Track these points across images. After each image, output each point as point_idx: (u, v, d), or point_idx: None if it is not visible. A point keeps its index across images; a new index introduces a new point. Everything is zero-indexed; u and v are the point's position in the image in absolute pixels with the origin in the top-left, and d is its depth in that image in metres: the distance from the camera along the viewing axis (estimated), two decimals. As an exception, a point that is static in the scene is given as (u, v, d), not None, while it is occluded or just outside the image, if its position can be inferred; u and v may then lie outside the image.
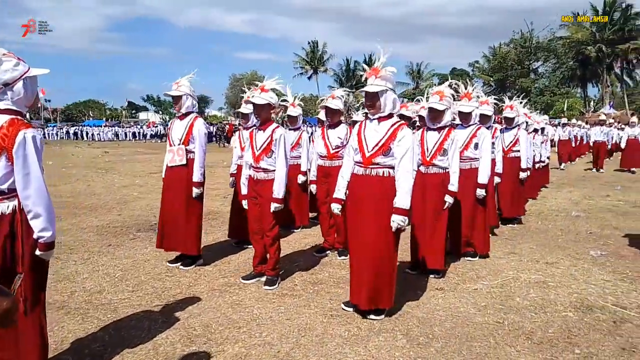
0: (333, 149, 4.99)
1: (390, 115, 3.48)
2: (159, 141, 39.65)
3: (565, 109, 40.66)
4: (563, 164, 15.08)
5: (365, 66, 3.58)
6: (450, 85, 4.47)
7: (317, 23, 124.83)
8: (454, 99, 4.67)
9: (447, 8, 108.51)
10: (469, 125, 4.86)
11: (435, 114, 4.32)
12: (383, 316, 3.43)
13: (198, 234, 4.73)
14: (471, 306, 3.67)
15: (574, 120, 19.23)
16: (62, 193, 9.24)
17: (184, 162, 4.57)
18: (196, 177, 4.57)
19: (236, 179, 5.38)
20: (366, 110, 5.44)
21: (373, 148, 3.43)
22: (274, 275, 4.22)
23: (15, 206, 2.29)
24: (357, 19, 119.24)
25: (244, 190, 4.34)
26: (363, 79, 3.55)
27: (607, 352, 2.92)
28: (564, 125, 16.92)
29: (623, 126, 19.06)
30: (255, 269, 4.34)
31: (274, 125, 4.17)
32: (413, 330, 3.25)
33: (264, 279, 4.27)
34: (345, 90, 5.12)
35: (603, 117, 16.95)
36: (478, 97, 5.26)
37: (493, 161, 5.55)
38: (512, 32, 53.76)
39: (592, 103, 47.93)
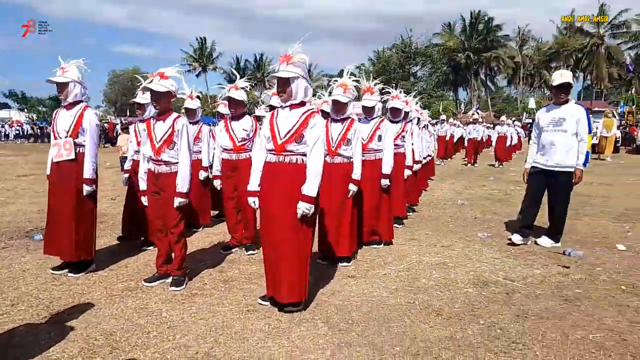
0: (239, 142, 4.83)
1: (302, 103, 3.44)
2: (26, 142, 35.53)
3: (440, 111, 44.34)
4: (443, 161, 16.41)
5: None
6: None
7: (206, 19, 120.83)
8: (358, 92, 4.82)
9: (338, 12, 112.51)
10: (373, 119, 5.03)
11: (339, 106, 4.40)
12: (301, 307, 3.39)
13: (92, 236, 4.28)
14: (383, 290, 3.79)
15: (451, 120, 21.04)
16: None
17: (72, 156, 4.10)
18: (87, 173, 4.13)
19: (132, 176, 5.02)
20: (271, 103, 5.37)
21: (285, 135, 3.37)
22: (180, 275, 3.96)
23: None
24: (248, 17, 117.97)
25: (142, 186, 4.01)
26: (276, 68, 3.49)
27: (506, 320, 3.19)
28: (442, 122, 18.42)
29: (489, 125, 21.31)
30: (159, 270, 4.03)
31: (175, 114, 3.92)
32: (332, 317, 3.26)
33: (169, 280, 3.99)
34: (247, 81, 4.97)
35: (476, 116, 18.83)
36: (389, 92, 5.49)
37: (404, 154, 5.83)
38: (395, 37, 57.19)
39: (462, 105, 52.80)
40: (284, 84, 3.37)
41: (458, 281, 3.98)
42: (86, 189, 4.13)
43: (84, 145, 4.16)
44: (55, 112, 4.34)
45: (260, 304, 3.50)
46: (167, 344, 2.89)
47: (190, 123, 5.75)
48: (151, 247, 5.01)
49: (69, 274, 4.19)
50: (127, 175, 5.18)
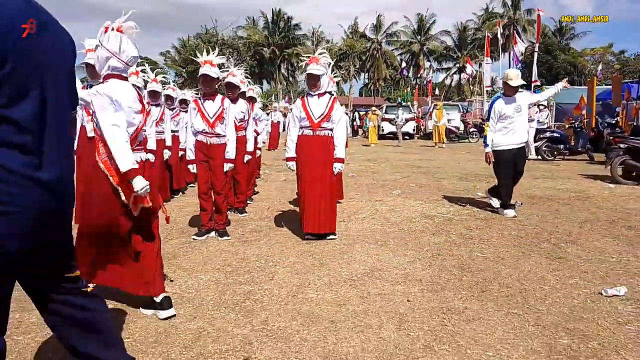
0: (239, 122, 5.69)
1: (325, 92, 4.77)
2: None
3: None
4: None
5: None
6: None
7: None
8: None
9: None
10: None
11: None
12: (336, 235, 4.75)
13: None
14: (375, 225, 5.37)
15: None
16: None
17: None
18: None
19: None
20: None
21: (319, 117, 4.67)
22: (224, 229, 4.84)
23: None
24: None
25: (192, 155, 4.72)
26: (304, 65, 4.74)
27: (463, 231, 5.10)
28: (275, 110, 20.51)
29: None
30: (206, 226, 4.81)
31: (220, 95, 4.76)
32: (366, 239, 4.72)
33: (212, 234, 4.82)
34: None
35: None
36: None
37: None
38: (200, 27, 56.93)
39: (272, 98, 56.12)
40: (315, 79, 4.66)
41: (412, 217, 5.81)
42: None
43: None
44: None
45: (308, 238, 4.71)
46: (285, 262, 3.97)
47: (152, 105, 6.26)
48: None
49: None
50: None
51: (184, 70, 54.34)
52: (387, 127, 22.86)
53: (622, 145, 8.62)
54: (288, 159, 4.86)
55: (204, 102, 4.69)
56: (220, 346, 2.57)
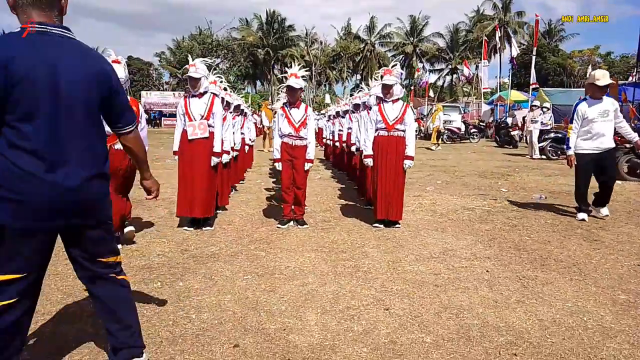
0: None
1: (398, 99, 5.52)
2: None
3: (250, 103, 47.22)
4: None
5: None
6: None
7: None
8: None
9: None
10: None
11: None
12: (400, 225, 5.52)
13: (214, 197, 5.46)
14: (426, 215, 6.14)
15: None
16: None
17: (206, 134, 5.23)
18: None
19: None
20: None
21: (394, 119, 5.42)
22: (303, 218, 5.58)
23: None
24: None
25: (277, 155, 5.46)
26: (379, 76, 5.50)
27: (505, 219, 5.90)
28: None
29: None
30: (287, 216, 5.53)
31: (304, 104, 5.50)
32: (425, 227, 5.49)
33: (291, 223, 5.55)
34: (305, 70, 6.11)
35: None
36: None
37: None
38: (195, 27, 57.36)
39: (270, 98, 56.75)
40: (389, 88, 5.41)
41: (455, 209, 6.59)
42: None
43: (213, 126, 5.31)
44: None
45: (376, 226, 5.47)
46: (370, 244, 4.72)
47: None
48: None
49: (205, 228, 5.31)
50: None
51: (179, 71, 54.79)
52: (391, 128, 23.63)
53: (627, 145, 9.51)
54: (366, 157, 5.59)
55: (290, 110, 5.42)
56: (360, 302, 3.32)
